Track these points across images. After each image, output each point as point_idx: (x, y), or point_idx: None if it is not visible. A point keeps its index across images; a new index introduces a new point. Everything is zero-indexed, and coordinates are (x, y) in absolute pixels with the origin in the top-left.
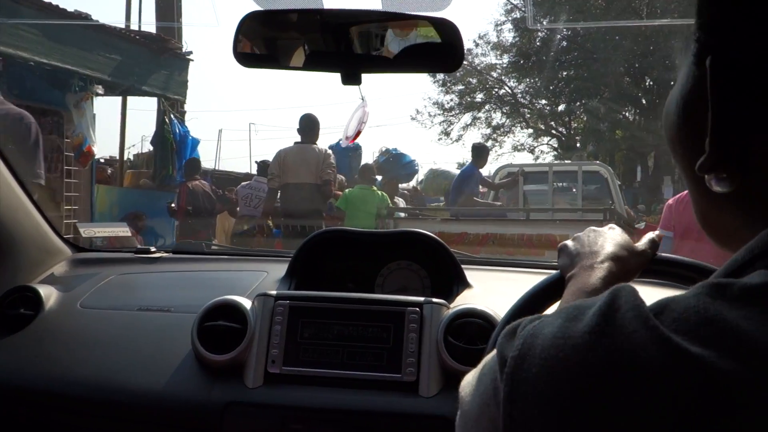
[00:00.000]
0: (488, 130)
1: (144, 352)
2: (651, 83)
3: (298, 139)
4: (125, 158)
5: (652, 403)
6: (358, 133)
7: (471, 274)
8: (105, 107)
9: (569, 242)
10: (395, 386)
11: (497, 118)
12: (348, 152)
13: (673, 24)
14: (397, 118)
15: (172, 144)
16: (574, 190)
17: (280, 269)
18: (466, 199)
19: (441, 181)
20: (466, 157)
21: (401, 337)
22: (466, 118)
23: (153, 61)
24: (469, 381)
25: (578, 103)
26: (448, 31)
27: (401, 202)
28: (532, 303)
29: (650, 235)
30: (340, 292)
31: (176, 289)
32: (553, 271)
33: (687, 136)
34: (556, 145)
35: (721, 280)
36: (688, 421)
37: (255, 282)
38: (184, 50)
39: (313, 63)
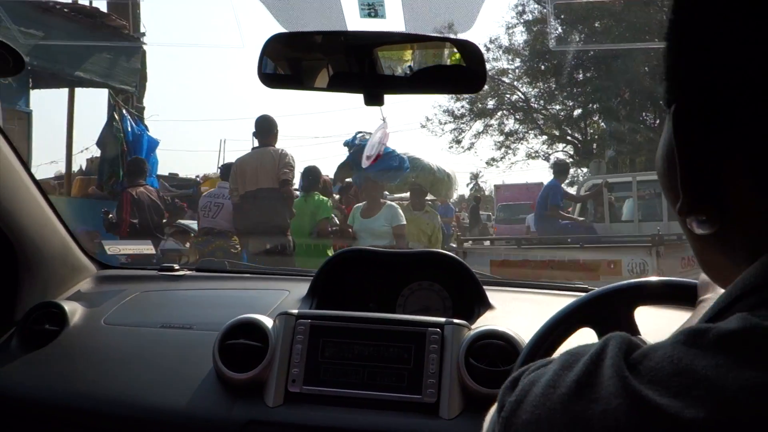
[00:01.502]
0: (501, 138)
1: (166, 369)
2: None
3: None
4: (79, 164)
5: None
6: (378, 155)
7: (493, 295)
8: (47, 102)
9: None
10: (416, 407)
11: (510, 124)
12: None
13: None
14: (407, 125)
15: (123, 144)
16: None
17: (301, 288)
18: (552, 210)
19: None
20: (479, 165)
21: (422, 358)
22: (478, 125)
23: (89, 42)
24: (488, 416)
25: (596, 105)
26: (470, 53)
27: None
28: (558, 326)
29: None
30: (361, 311)
31: (199, 307)
32: (577, 293)
33: (670, 181)
34: (571, 152)
35: (700, 326)
36: None
37: (276, 301)
38: (144, 41)
39: (337, 84)
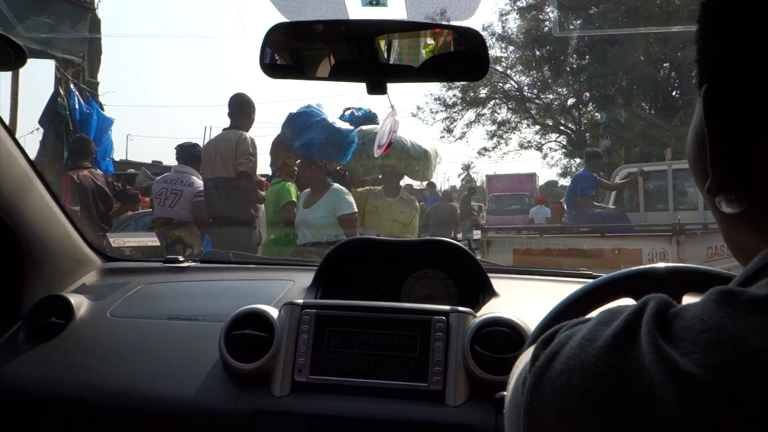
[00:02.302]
0: (493, 127)
1: (172, 361)
2: (671, 72)
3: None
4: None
5: (646, 407)
6: (389, 144)
7: (497, 283)
8: None
9: None
10: (422, 395)
11: (502, 113)
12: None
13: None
14: (398, 115)
15: (69, 123)
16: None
17: (306, 278)
18: (581, 200)
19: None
20: (471, 155)
21: (428, 346)
22: (470, 114)
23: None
24: (514, 372)
25: (592, 93)
26: (472, 40)
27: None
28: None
29: None
30: (366, 300)
31: (204, 299)
32: (582, 280)
33: (700, 164)
34: (564, 143)
35: (732, 288)
36: (674, 425)
37: (281, 291)
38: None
39: (339, 73)
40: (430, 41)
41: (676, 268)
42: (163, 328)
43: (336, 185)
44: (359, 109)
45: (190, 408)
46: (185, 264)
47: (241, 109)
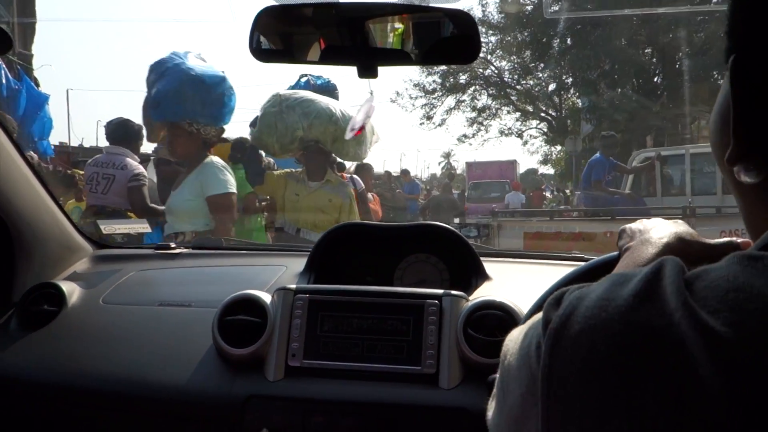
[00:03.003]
0: (473, 114)
1: (165, 347)
2: (653, 58)
3: None
4: None
5: (675, 363)
6: (362, 127)
7: (490, 266)
8: None
9: (632, 224)
10: (415, 378)
11: (483, 100)
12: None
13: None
14: (375, 100)
15: None
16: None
17: (299, 263)
18: (595, 185)
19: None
20: (451, 142)
21: (421, 330)
22: (450, 100)
23: None
24: (513, 336)
25: (574, 78)
26: (463, 22)
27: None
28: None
29: (734, 239)
30: (359, 285)
31: (196, 284)
32: (574, 263)
33: (722, 138)
34: (545, 129)
35: (753, 252)
36: (708, 387)
37: (274, 276)
38: None
39: (330, 57)
40: (421, 24)
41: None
42: (156, 314)
43: (212, 158)
44: (318, 77)
45: (183, 393)
46: (177, 250)
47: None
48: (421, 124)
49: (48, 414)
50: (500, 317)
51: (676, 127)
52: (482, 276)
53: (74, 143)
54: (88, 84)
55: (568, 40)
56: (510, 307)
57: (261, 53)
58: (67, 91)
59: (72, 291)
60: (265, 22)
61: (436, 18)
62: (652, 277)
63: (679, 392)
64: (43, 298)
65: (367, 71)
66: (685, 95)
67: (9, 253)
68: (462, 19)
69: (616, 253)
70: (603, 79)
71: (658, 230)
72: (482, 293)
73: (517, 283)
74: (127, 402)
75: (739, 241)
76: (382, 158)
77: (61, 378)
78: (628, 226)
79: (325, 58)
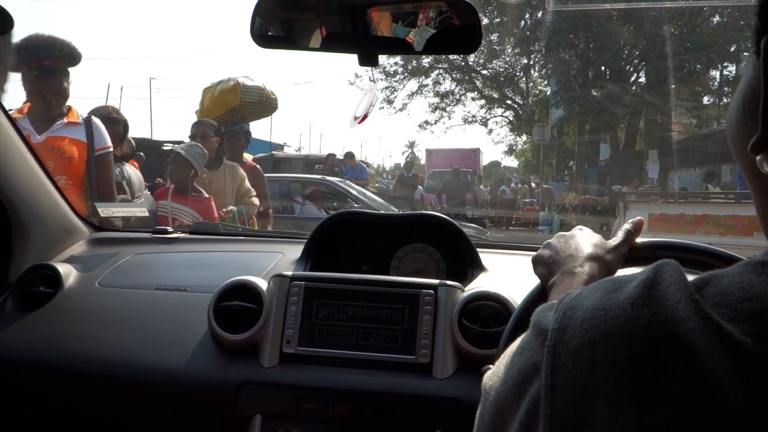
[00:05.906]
0: (436, 99)
1: (161, 331)
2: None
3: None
4: None
5: (690, 374)
6: (365, 116)
7: (485, 257)
8: None
9: (542, 251)
10: (409, 368)
11: (446, 84)
12: None
13: None
14: (332, 82)
15: None
16: None
17: (295, 250)
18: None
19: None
20: (412, 129)
21: (416, 320)
22: (412, 84)
23: None
24: (495, 370)
25: (549, 52)
26: (465, 12)
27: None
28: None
29: (626, 226)
30: (355, 274)
31: (193, 269)
32: None
33: (745, 124)
34: (511, 118)
35: (765, 258)
36: (723, 394)
37: (271, 263)
38: None
39: (331, 44)
40: (423, 14)
41: (654, 243)
42: (152, 298)
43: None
44: None
45: (178, 378)
46: (174, 235)
47: None
48: (381, 108)
49: (41, 394)
50: (495, 308)
51: (656, 114)
52: (478, 267)
53: None
54: None
55: (539, 13)
56: (505, 298)
57: (262, 39)
58: None
59: (68, 273)
60: (266, 8)
61: (437, 7)
62: (649, 282)
63: (695, 406)
64: (39, 279)
65: (368, 60)
66: (669, 79)
67: (6, 234)
68: (464, 8)
69: (538, 283)
70: (577, 59)
71: (573, 258)
72: (478, 284)
73: (512, 274)
74: (121, 385)
75: (629, 225)
76: (341, 145)
77: (55, 359)
78: (537, 254)
79: (326, 46)
